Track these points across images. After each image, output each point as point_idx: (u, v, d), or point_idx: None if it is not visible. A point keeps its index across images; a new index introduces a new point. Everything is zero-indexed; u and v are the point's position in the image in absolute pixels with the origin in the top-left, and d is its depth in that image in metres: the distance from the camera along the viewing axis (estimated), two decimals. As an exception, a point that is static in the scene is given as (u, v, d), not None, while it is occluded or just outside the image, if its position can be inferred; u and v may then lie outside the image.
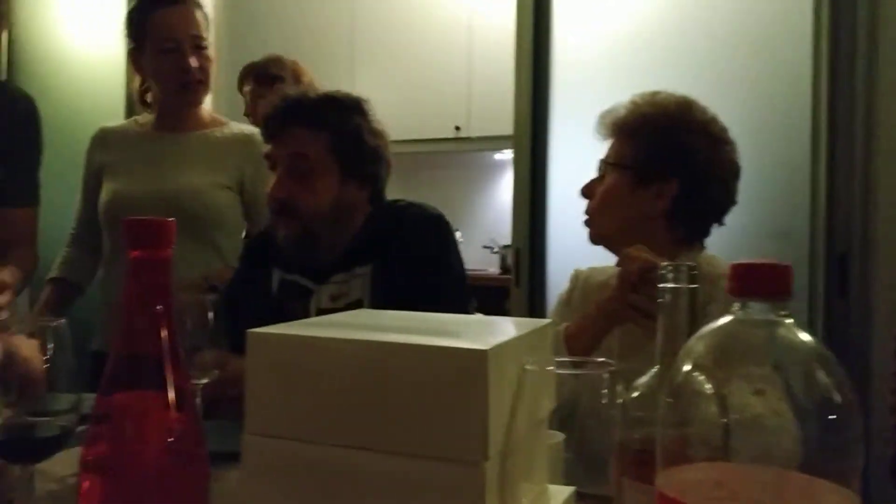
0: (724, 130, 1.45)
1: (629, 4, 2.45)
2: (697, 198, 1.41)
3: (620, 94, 1.51)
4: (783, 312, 0.46)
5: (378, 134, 1.60)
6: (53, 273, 2.00)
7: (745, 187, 1.48)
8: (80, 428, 0.80)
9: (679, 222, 1.42)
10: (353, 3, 4.48)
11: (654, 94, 1.48)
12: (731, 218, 1.47)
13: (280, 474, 0.69)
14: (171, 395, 0.55)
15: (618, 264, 1.28)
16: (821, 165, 2.13)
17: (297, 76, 2.66)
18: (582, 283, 1.55)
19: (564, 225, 2.45)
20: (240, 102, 2.85)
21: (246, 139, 1.95)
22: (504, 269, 4.22)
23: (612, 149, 1.48)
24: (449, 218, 1.63)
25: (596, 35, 2.47)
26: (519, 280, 2.47)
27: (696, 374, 0.46)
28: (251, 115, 2.66)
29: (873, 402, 1.70)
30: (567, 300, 1.54)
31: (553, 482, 0.75)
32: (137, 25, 1.87)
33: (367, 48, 4.46)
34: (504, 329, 0.78)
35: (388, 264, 1.54)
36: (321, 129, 1.54)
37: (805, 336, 0.46)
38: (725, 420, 0.44)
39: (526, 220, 2.47)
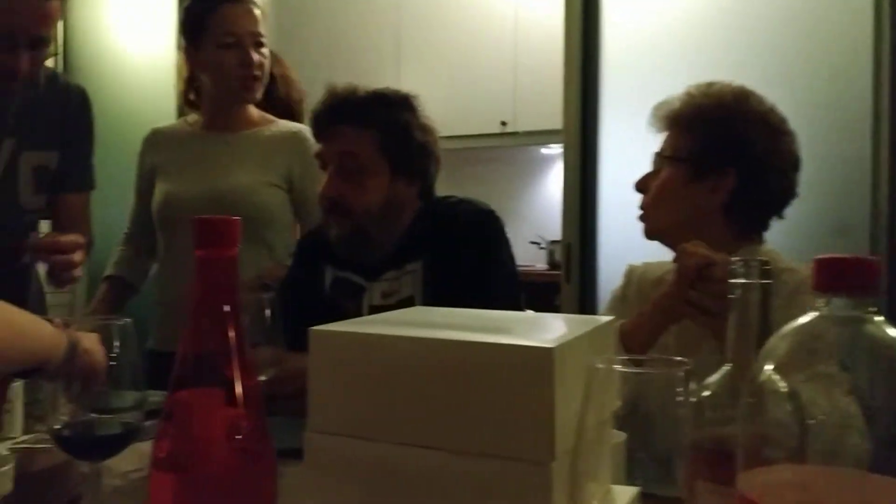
0: (782, 121, 1.41)
1: (680, -6, 2.40)
2: (756, 190, 1.37)
3: (673, 86, 1.48)
4: (871, 309, 0.44)
5: (427, 130, 1.59)
6: (108, 272, 2.04)
7: (804, 180, 1.44)
8: (147, 423, 0.81)
9: (737, 216, 1.39)
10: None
11: (710, 84, 1.45)
12: (788, 212, 1.43)
13: (343, 472, 0.68)
14: (239, 392, 0.55)
15: (675, 260, 1.26)
16: (882, 158, 2.06)
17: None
18: (637, 279, 1.52)
19: (615, 220, 2.42)
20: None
21: (294, 137, 1.97)
22: (552, 264, 4.19)
23: (666, 142, 1.45)
24: (495, 214, 1.62)
25: (647, 25, 2.44)
26: (569, 276, 2.44)
27: (778, 373, 0.44)
28: None
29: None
30: (621, 297, 1.52)
31: (615, 482, 0.74)
32: (196, 22, 1.89)
33: (412, 44, 4.46)
34: (566, 326, 0.77)
35: (440, 261, 1.54)
36: (370, 127, 1.54)
37: (895, 332, 0.44)
38: (812, 421, 0.43)
39: (576, 215, 2.45)
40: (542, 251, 4.34)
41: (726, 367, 0.61)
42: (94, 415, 0.80)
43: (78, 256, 1.52)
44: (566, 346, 0.63)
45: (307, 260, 1.71)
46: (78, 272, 1.54)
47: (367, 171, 1.54)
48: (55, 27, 1.55)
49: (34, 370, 0.94)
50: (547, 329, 0.76)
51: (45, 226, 1.85)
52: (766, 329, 0.60)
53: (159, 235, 1.97)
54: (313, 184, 1.87)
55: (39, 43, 1.52)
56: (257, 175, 1.91)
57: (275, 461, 0.58)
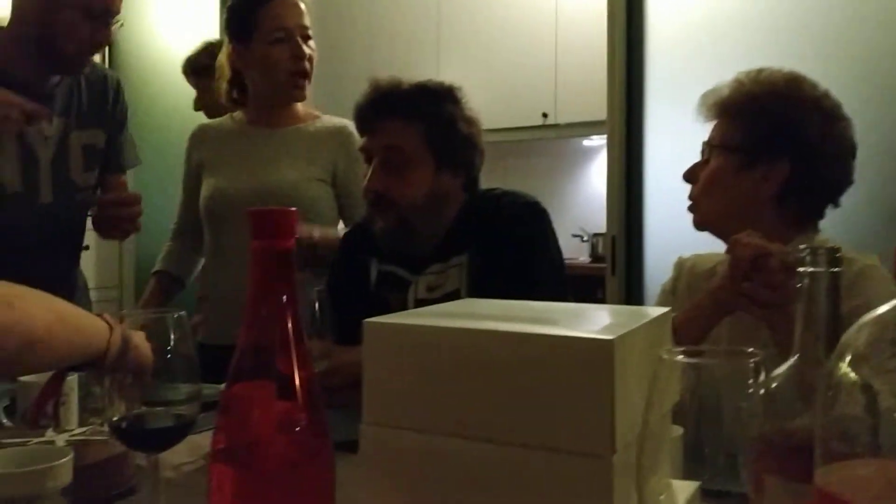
0: (837, 106, 1.37)
1: (726, -20, 2.35)
2: (810, 178, 1.34)
3: (720, 73, 1.45)
4: (956, 297, 0.42)
5: (471, 121, 1.58)
6: (157, 267, 2.07)
7: (860, 166, 1.40)
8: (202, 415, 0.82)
9: (790, 205, 1.35)
10: (438, -8, 4.48)
11: (760, 71, 1.41)
12: (843, 199, 1.39)
13: (398, 465, 0.68)
14: (298, 384, 0.55)
15: (728, 251, 1.23)
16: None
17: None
18: (687, 271, 1.50)
19: (661, 211, 2.38)
20: (332, 94, 2.86)
21: (338, 131, 1.97)
22: (595, 257, 4.16)
23: (716, 130, 1.42)
24: (537, 206, 1.60)
25: (692, 11, 2.39)
26: (615, 268, 2.42)
27: (856, 365, 0.43)
28: (201, 107, 2.66)
29: None
30: (671, 289, 1.49)
31: (672, 478, 0.73)
32: (244, 19, 1.90)
33: (452, 36, 4.45)
34: (622, 318, 0.76)
35: (486, 253, 1.53)
36: (415, 120, 1.53)
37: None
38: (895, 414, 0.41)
39: (621, 207, 2.42)
40: (585, 244, 4.31)
41: (793, 359, 0.59)
42: (150, 407, 0.80)
43: (138, 209, 1.72)
44: (626, 338, 0.62)
45: (352, 254, 1.71)
46: (139, 224, 1.74)
47: (412, 164, 1.53)
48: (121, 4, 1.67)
49: (88, 364, 0.96)
50: (603, 321, 0.75)
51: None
52: (835, 319, 0.58)
53: (206, 230, 1.99)
54: (357, 178, 1.88)
55: (111, 18, 1.65)
56: (303, 170, 1.92)
57: (332, 454, 0.58)
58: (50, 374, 1.05)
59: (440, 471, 0.66)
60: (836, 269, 0.57)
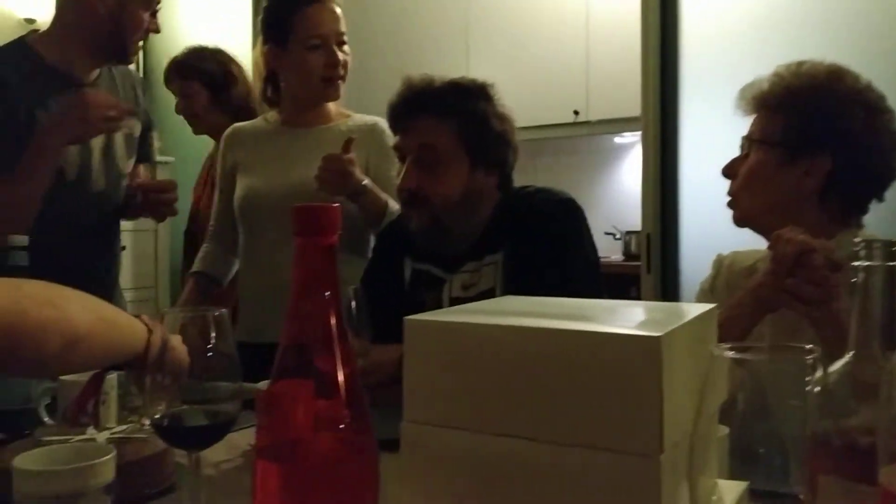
0: (880, 98, 1.34)
1: (762, -27, 2.32)
2: (853, 172, 1.31)
3: (757, 67, 1.43)
4: None
5: (504, 118, 1.58)
6: (194, 268, 2.09)
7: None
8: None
9: (833, 200, 1.33)
10: (467, -11, 4.46)
11: (800, 64, 1.39)
12: (888, 194, 1.36)
13: (441, 463, 0.67)
14: (341, 381, 0.55)
15: (770, 247, 1.21)
16: None
17: (222, 65, 2.59)
18: (726, 269, 1.47)
19: (696, 208, 2.35)
20: (361, 92, 2.86)
21: (369, 129, 1.98)
22: (628, 255, 4.12)
23: (755, 125, 1.40)
24: (570, 204, 1.59)
25: (728, 4, 2.35)
26: (650, 266, 2.39)
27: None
28: (182, 111, 2.64)
29: None
30: (710, 288, 1.47)
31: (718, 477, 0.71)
32: (281, 22, 1.91)
33: (481, 33, 4.43)
34: (665, 315, 0.74)
35: (520, 251, 1.52)
36: (448, 118, 1.53)
37: None
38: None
39: (656, 205, 2.39)
40: (618, 242, 4.27)
41: (848, 356, 0.57)
42: (192, 405, 0.81)
43: (174, 195, 1.87)
44: (673, 335, 0.60)
45: (387, 252, 1.71)
46: (175, 209, 1.89)
47: (446, 162, 1.53)
48: None
49: (125, 364, 0.97)
50: (646, 317, 0.73)
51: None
52: (891, 315, 0.56)
53: (241, 229, 2.00)
54: (389, 174, 1.87)
55: (158, 6, 1.78)
56: (336, 168, 1.92)
57: (376, 451, 0.57)
58: (90, 373, 1.06)
59: (483, 470, 0.65)
60: (893, 263, 0.56)
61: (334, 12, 1.91)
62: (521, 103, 1.62)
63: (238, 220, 2.00)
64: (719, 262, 1.50)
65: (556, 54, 4.19)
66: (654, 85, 2.41)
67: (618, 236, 4.28)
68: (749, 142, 1.39)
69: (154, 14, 1.78)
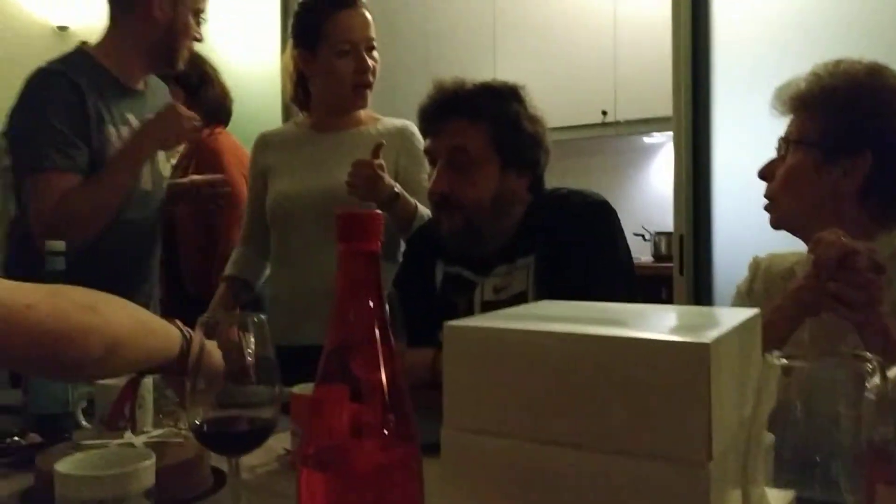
0: None
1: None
2: (894, 172, 1.29)
3: (791, 67, 1.40)
4: None
5: (536, 120, 1.57)
6: (227, 272, 2.10)
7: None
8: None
9: (874, 200, 1.30)
10: (495, -10, 4.45)
11: (837, 63, 1.36)
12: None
13: (482, 470, 0.67)
14: (386, 387, 0.54)
15: (811, 250, 1.19)
16: None
17: (197, 66, 2.52)
18: (763, 272, 1.45)
19: (729, 209, 2.32)
20: (389, 95, 2.85)
21: (399, 132, 1.98)
22: (657, 256, 4.08)
23: (792, 125, 1.37)
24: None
25: (759, 4, 2.32)
26: (683, 268, 2.36)
27: None
28: None
29: None
30: (747, 291, 1.45)
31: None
32: (311, 29, 1.92)
33: (508, 34, 4.42)
34: (711, 320, 0.73)
35: (553, 254, 1.51)
36: (479, 120, 1.52)
37: None
38: None
39: (689, 206, 2.36)
40: (647, 243, 4.24)
41: (904, 362, 0.56)
42: (231, 410, 0.81)
43: (227, 188, 2.09)
44: (721, 342, 0.59)
45: (417, 256, 1.71)
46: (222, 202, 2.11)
47: (478, 165, 1.52)
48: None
49: (161, 368, 0.98)
50: (691, 323, 0.72)
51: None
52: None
53: (273, 234, 2.01)
54: (420, 177, 1.87)
55: (201, 16, 1.88)
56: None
57: (420, 457, 0.57)
58: (126, 377, 1.07)
59: (525, 477, 0.65)
60: (950, 268, 0.54)
61: (365, 18, 1.91)
62: (548, 104, 1.61)
63: (270, 224, 2.01)
64: (756, 265, 1.48)
65: (583, 54, 4.16)
66: (686, 84, 2.38)
67: (647, 237, 4.24)
68: (786, 143, 1.37)
69: (198, 22, 1.86)
